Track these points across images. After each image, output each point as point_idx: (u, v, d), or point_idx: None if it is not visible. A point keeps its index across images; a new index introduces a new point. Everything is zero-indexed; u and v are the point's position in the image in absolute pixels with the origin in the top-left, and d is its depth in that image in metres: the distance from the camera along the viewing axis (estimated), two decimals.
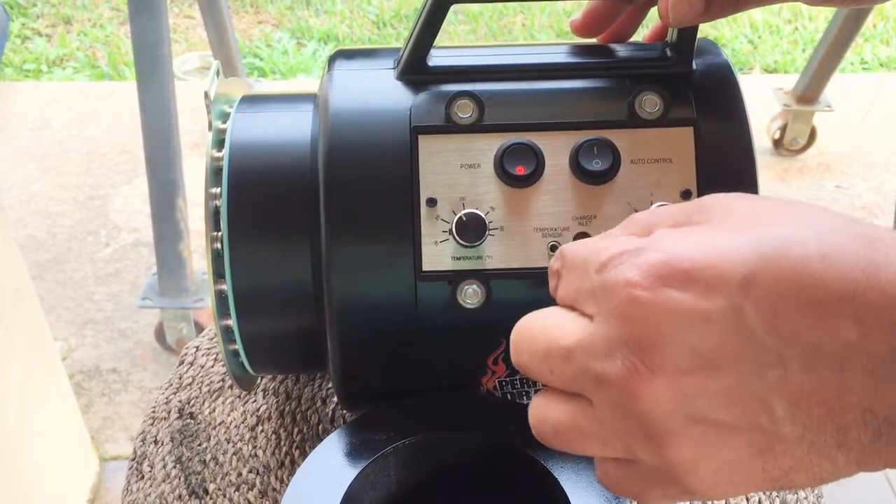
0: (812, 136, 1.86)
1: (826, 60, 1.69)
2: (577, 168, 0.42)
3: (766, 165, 1.89)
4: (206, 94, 0.44)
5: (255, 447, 0.53)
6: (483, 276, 0.42)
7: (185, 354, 0.59)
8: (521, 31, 2.43)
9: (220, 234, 0.44)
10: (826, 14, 2.37)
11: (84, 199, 1.88)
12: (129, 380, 1.51)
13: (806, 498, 0.50)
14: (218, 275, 0.44)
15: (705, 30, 2.39)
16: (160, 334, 1.51)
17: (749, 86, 2.21)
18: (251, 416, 0.55)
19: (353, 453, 0.44)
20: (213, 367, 0.58)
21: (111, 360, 1.55)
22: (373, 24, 2.42)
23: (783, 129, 1.85)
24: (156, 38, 1.30)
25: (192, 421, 0.55)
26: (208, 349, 0.59)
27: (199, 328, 1.48)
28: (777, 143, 1.88)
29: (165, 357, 1.54)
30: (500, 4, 2.39)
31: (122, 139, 2.02)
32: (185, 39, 2.41)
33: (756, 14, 2.43)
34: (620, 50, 0.46)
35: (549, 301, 0.43)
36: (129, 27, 1.34)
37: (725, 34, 2.38)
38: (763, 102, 1.90)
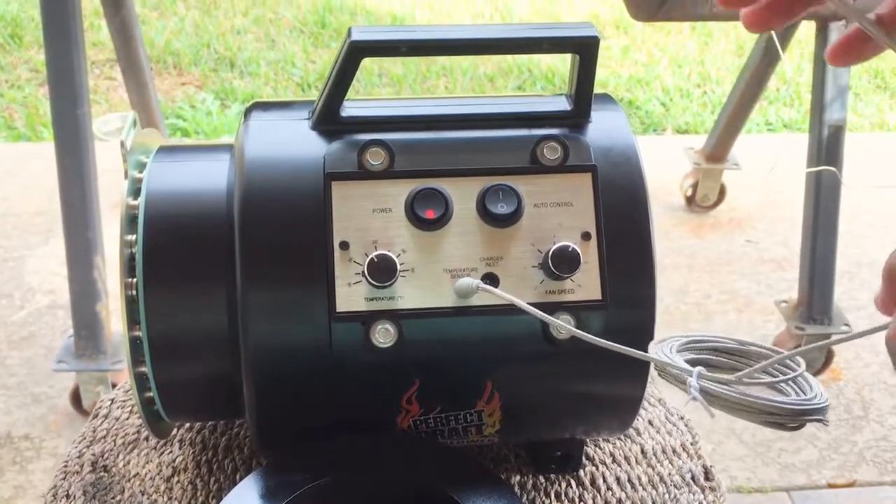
0: (722, 192, 1.94)
1: (731, 121, 1.78)
2: (484, 212, 0.44)
3: (680, 221, 1.96)
4: (122, 144, 0.45)
5: (170, 498, 0.53)
6: (395, 316, 0.43)
7: (100, 407, 0.58)
8: (444, 94, 2.48)
9: (134, 280, 0.44)
10: (733, 78, 2.50)
11: None
12: (42, 447, 1.46)
13: None
14: (132, 321, 0.45)
15: (619, 93, 2.48)
16: (76, 398, 1.47)
17: (662, 146, 2.30)
18: (167, 467, 0.54)
19: (268, 496, 0.44)
20: (128, 419, 0.58)
21: (24, 426, 1.49)
22: (297, 86, 2.45)
23: (695, 186, 1.92)
24: (74, 97, 1.29)
25: (105, 474, 0.54)
26: (123, 402, 0.59)
27: None
28: (690, 200, 1.95)
29: (81, 422, 1.49)
30: (423, 68, 2.45)
31: (39, 200, 1.98)
32: (105, 101, 2.40)
33: (667, 78, 2.54)
34: (524, 102, 0.49)
35: (459, 340, 0.44)
36: (46, 89, 1.34)
37: (639, 97, 2.48)
38: (675, 162, 1.98)
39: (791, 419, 0.40)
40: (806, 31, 1.53)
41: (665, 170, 1.99)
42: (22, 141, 2.24)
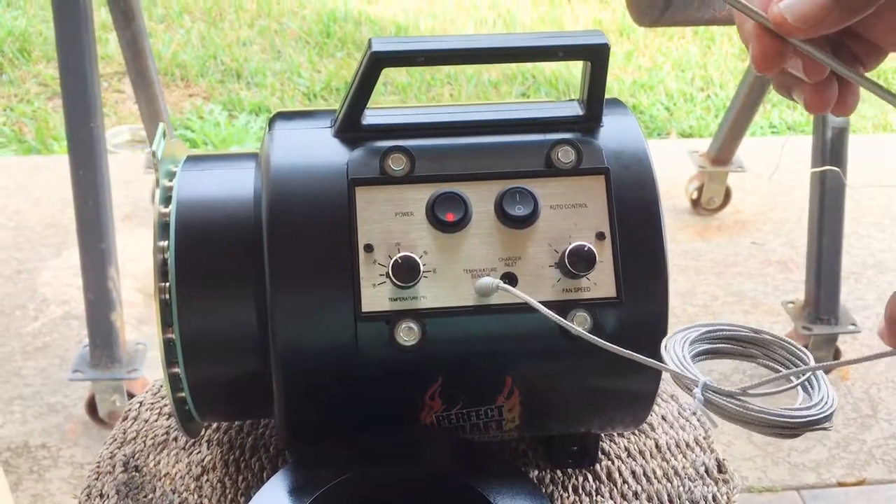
0: (727, 195, 1.95)
1: (735, 124, 1.80)
2: (502, 214, 0.46)
3: (686, 224, 1.97)
4: (154, 154, 0.47)
5: (200, 496, 0.54)
6: (418, 315, 0.45)
7: (129, 410, 0.60)
8: (449, 101, 2.50)
9: (167, 284, 0.46)
10: (736, 82, 2.51)
11: (11, 273, 1.85)
12: (59, 455, 1.48)
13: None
14: (166, 324, 0.46)
15: (623, 98, 2.50)
16: (92, 407, 1.48)
17: (667, 149, 2.31)
18: (196, 466, 0.56)
19: (298, 491, 0.45)
20: (157, 420, 0.59)
21: (40, 435, 1.51)
22: (303, 96, 2.47)
23: (700, 189, 1.94)
24: (88, 110, 1.31)
25: (137, 474, 0.56)
26: (152, 404, 0.61)
27: None
28: (695, 203, 1.96)
29: (97, 431, 1.51)
30: (427, 76, 2.47)
31: (51, 212, 2.01)
32: (114, 113, 2.42)
33: (671, 83, 2.56)
34: (537, 107, 0.51)
35: (480, 337, 0.46)
36: (55, 102, 1.36)
37: (643, 102, 2.50)
38: (680, 165, 2.00)
39: (793, 430, 0.41)
40: None
41: (670, 173, 2.00)
42: (32, 154, 2.27)
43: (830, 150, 1.39)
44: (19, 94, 2.50)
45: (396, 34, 2.74)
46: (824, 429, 0.41)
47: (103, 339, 1.40)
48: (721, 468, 0.56)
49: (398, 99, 2.46)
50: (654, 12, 1.29)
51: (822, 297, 1.43)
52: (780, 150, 2.19)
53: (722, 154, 1.88)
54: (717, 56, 2.72)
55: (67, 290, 1.80)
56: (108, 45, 2.53)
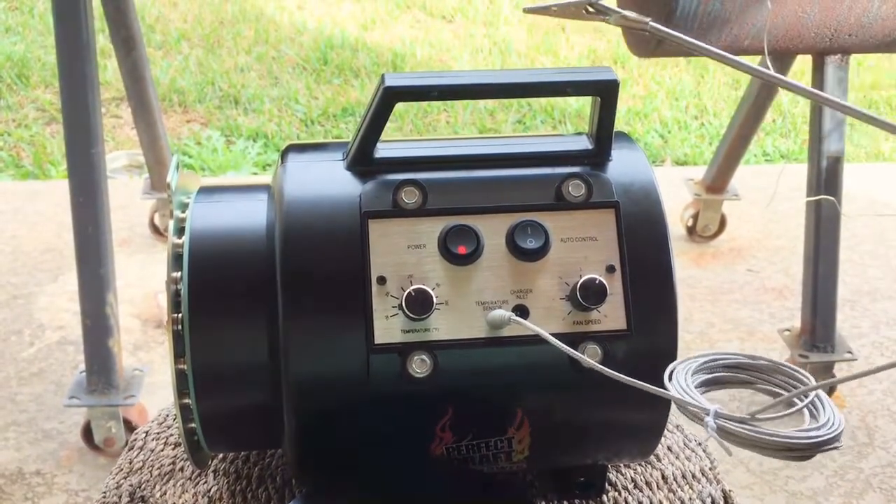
0: (722, 223, 1.96)
1: (731, 152, 1.81)
2: (513, 247, 0.47)
3: (682, 251, 1.98)
4: (169, 185, 0.47)
5: None
6: (430, 347, 0.45)
7: (135, 440, 0.60)
8: (446, 127, 2.52)
9: (180, 315, 0.46)
10: (729, 110, 2.54)
11: (7, 299, 1.84)
12: (53, 482, 1.46)
13: None
14: (178, 355, 0.47)
15: (618, 126, 2.52)
16: (87, 434, 1.47)
17: (662, 177, 2.33)
18: (202, 497, 0.56)
19: None
20: (162, 450, 0.59)
21: (35, 462, 1.50)
22: (301, 123, 2.48)
23: (695, 216, 1.95)
24: (89, 137, 1.32)
25: None
26: (158, 434, 0.61)
27: (129, 426, 1.45)
28: (691, 231, 1.97)
29: (92, 457, 1.50)
30: (424, 102, 2.49)
31: (47, 237, 2.00)
32: (112, 138, 2.43)
33: (665, 111, 2.58)
34: (548, 141, 0.52)
35: (492, 369, 0.46)
36: (53, 127, 1.36)
37: (638, 129, 2.52)
38: (676, 192, 2.01)
39: (806, 452, 0.41)
40: (802, 64, 1.57)
41: (665, 201, 2.02)
42: (29, 179, 2.27)
43: (825, 179, 1.40)
44: (17, 119, 2.50)
45: (393, 62, 2.76)
46: (835, 448, 0.42)
47: (100, 366, 1.40)
48: (727, 499, 0.56)
49: (394, 126, 2.47)
50: (651, 43, 1.31)
51: (818, 325, 1.43)
52: (775, 178, 2.20)
53: (717, 182, 1.89)
54: (711, 85, 2.75)
55: (63, 316, 1.79)
56: (106, 70, 2.54)
